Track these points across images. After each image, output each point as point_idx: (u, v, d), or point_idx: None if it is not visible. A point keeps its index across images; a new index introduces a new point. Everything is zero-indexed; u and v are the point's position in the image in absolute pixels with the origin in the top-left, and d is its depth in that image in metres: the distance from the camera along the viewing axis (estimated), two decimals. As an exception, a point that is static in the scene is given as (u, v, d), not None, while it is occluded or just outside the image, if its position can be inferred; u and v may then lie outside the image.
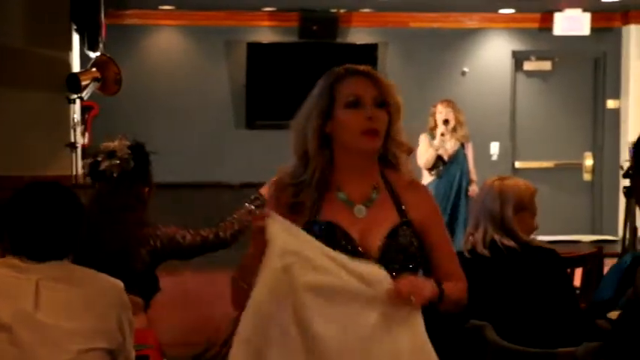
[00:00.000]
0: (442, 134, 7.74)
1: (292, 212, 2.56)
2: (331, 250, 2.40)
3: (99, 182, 4.07)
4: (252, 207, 4.10)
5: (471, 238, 3.75)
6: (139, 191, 4.09)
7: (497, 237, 3.68)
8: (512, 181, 3.80)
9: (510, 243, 3.67)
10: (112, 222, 4.00)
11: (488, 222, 3.70)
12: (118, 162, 4.00)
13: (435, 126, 7.81)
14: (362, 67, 2.65)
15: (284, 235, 2.38)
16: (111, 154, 4.02)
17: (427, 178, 7.81)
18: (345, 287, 2.36)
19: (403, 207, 2.61)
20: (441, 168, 7.78)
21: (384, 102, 2.59)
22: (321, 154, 2.60)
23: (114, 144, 4.05)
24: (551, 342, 3.49)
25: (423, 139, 7.85)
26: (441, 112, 7.80)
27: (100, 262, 3.84)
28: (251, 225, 2.46)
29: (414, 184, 2.70)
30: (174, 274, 10.20)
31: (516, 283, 3.63)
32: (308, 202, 2.59)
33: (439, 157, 7.78)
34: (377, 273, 2.39)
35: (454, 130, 7.80)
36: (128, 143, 4.06)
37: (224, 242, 4.13)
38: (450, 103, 7.89)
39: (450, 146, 7.78)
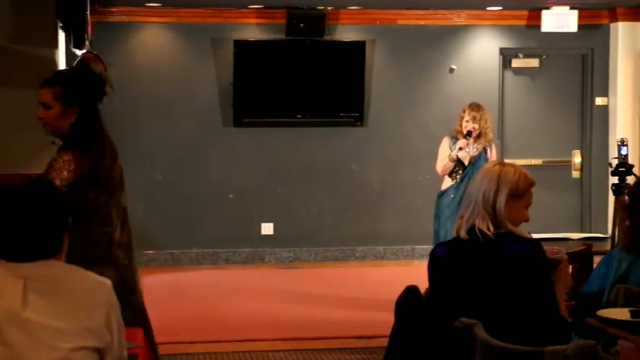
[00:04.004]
0: (460, 148, 7.48)
1: None
2: None
3: None
4: None
5: (459, 220, 3.77)
6: None
7: (478, 221, 3.68)
8: (513, 167, 3.78)
9: (488, 230, 3.66)
10: None
11: (481, 203, 3.69)
12: None
13: (460, 131, 7.57)
14: None
15: None
16: None
17: (447, 182, 7.64)
18: None
19: None
20: (460, 172, 7.54)
21: None
22: None
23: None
24: (540, 340, 3.46)
25: (445, 143, 7.66)
26: (467, 120, 7.51)
27: None
28: None
29: None
30: (166, 271, 10.17)
31: (497, 276, 3.60)
32: None
33: (459, 162, 7.55)
34: None
35: (478, 136, 7.54)
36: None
37: None
38: (476, 110, 7.55)
39: (471, 152, 7.55)
